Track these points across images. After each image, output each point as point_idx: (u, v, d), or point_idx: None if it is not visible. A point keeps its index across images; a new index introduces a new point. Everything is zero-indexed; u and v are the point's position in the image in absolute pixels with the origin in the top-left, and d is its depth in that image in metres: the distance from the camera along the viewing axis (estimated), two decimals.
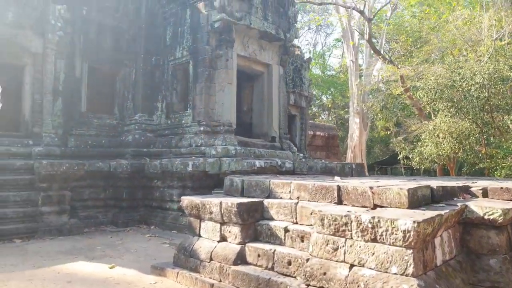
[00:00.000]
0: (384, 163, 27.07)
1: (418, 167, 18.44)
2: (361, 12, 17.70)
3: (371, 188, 3.68)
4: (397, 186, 3.63)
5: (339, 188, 3.90)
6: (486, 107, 14.73)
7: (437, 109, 15.46)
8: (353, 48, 22.55)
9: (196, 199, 4.56)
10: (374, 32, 20.84)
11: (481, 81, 13.91)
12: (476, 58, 15.52)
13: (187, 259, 4.45)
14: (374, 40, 20.71)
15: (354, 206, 3.77)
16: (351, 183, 4.06)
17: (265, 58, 9.14)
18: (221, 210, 4.25)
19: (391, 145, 24.85)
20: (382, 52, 20.04)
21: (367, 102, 21.73)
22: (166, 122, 8.99)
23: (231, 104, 8.29)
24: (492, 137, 15.25)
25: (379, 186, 3.71)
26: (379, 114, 21.68)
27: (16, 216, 6.65)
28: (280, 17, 9.15)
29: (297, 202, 4.09)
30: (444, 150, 15.27)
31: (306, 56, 17.28)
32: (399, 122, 20.33)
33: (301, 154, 9.87)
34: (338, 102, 28.02)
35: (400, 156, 18.92)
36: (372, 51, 21.70)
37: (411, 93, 18.03)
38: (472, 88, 14.19)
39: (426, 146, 16.00)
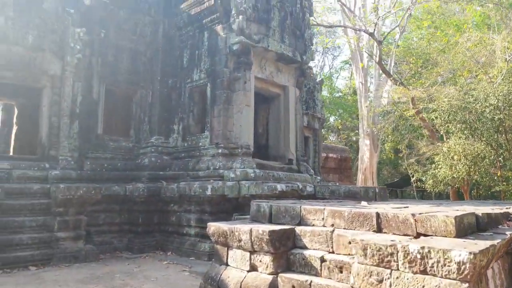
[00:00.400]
0: (394, 186, 26.69)
1: (431, 190, 18.16)
2: (371, 35, 17.80)
3: (413, 215, 3.49)
4: (442, 214, 3.45)
5: (378, 215, 3.72)
6: (501, 129, 14.56)
7: (450, 131, 15.28)
8: (362, 70, 22.60)
9: (224, 226, 4.38)
10: (383, 54, 20.88)
11: (495, 103, 13.81)
12: (488, 80, 15.43)
13: None
14: (383, 62, 20.76)
15: (395, 234, 3.58)
16: (388, 210, 3.87)
17: (281, 80, 9.10)
18: (251, 238, 4.06)
19: (403, 167, 24.48)
20: (392, 73, 20.07)
21: (377, 123, 21.63)
22: (183, 145, 8.89)
23: (248, 126, 8.19)
24: (507, 160, 14.98)
25: (421, 213, 3.52)
26: (389, 136, 21.55)
27: (31, 242, 6.47)
28: (296, 39, 9.15)
29: (333, 230, 3.90)
30: (459, 172, 15.03)
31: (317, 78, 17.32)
32: (411, 144, 20.13)
33: (318, 177, 9.68)
34: (348, 123, 27.93)
35: (413, 179, 18.65)
36: (381, 73, 21.77)
37: (422, 115, 17.93)
38: (486, 109, 14.07)
39: (440, 168, 15.77)
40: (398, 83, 18.56)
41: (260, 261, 4.04)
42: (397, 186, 26.82)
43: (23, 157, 7.53)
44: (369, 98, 23.41)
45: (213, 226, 4.50)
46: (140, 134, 9.16)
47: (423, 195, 25.97)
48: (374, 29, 17.84)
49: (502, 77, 14.50)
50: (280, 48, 8.70)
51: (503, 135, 14.67)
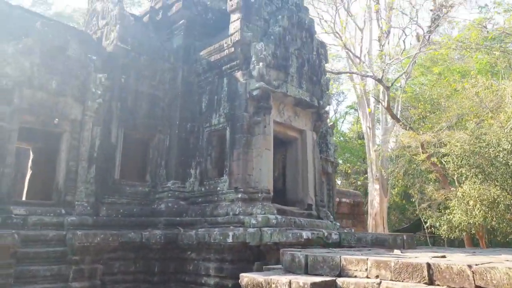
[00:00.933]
0: (404, 231, 26.03)
1: (445, 236, 17.67)
2: (379, 81, 18.11)
3: (470, 267, 3.29)
4: (503, 266, 3.24)
5: (429, 266, 3.51)
6: None
7: (464, 176, 15.09)
8: (369, 115, 22.79)
9: (259, 277, 4.15)
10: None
11: (508, 147, 13.73)
12: (499, 125, 15.46)
13: None
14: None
15: (449, 287, 3.35)
16: (437, 261, 3.66)
17: (299, 124, 9.09)
18: None
19: (411, 212, 23.98)
20: (399, 118, 20.21)
21: (386, 168, 21.47)
22: (200, 189, 8.72)
23: (268, 170, 8.07)
24: None
25: (477, 265, 3.32)
26: (399, 180, 21.31)
27: None
28: (313, 85, 9.25)
29: (380, 282, 3.66)
30: (475, 218, 14.68)
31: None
32: (422, 189, 19.84)
33: (338, 223, 9.41)
34: (357, 168, 27.79)
35: (427, 224, 18.22)
36: (388, 117, 21.92)
37: (432, 160, 17.83)
38: (499, 154, 13.98)
39: (455, 214, 15.43)
40: (407, 128, 18.65)
41: None
42: (407, 232, 26.14)
43: (38, 203, 7.36)
44: (376, 142, 23.42)
45: (247, 277, 4.26)
46: (157, 178, 9.02)
47: (434, 242, 25.27)
48: (382, 75, 18.17)
49: None
50: (298, 94, 8.77)
51: None
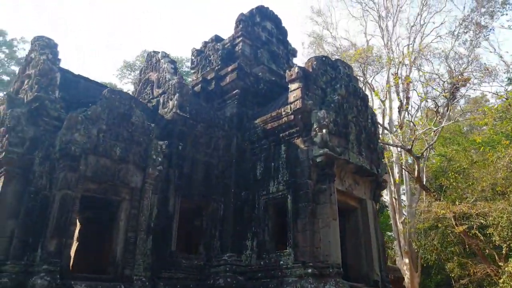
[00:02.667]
0: None
1: None
2: (409, 151, 18.07)
3: None
4: None
5: None
6: None
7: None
8: (395, 185, 22.42)
9: None
10: (413, 169, 20.88)
11: None
12: None
13: None
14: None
15: None
16: None
17: (359, 193, 8.78)
18: None
19: None
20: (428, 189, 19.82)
21: (415, 240, 20.57)
22: (259, 263, 8.15)
23: (336, 243, 7.58)
24: None
25: None
26: (434, 255, 20.26)
27: None
28: (371, 152, 9.10)
29: None
30: None
31: None
32: (460, 263, 18.78)
33: None
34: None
35: None
36: (414, 188, 21.53)
37: (473, 232, 17.10)
38: None
39: None
40: (439, 198, 18.17)
41: None
42: None
43: (96, 277, 6.83)
44: (403, 214, 22.73)
45: None
46: (211, 250, 8.49)
47: None
48: (411, 146, 18.16)
49: None
50: (359, 161, 8.59)
51: None
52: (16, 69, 27.34)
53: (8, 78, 26.86)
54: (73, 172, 6.87)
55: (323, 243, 7.49)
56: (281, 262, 7.76)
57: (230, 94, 9.92)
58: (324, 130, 7.96)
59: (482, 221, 16.06)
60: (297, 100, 8.37)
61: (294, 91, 8.51)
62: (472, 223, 16.83)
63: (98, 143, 7.27)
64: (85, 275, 6.75)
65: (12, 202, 6.74)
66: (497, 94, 20.11)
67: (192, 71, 12.22)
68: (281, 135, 8.73)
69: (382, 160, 9.42)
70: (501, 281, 14.62)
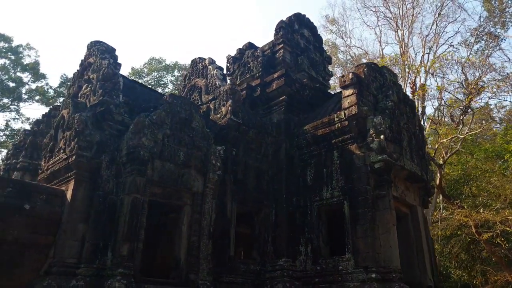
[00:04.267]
0: None
1: None
2: (432, 159, 18.18)
3: None
4: None
5: None
6: None
7: None
8: None
9: None
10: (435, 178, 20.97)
11: None
12: None
13: None
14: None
15: None
16: None
17: (410, 199, 8.85)
18: None
19: None
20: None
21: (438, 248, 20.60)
22: (314, 268, 8.18)
23: (396, 248, 7.63)
24: None
25: None
26: (454, 263, 20.29)
27: None
28: (420, 159, 9.20)
29: None
30: None
31: None
32: (483, 271, 18.82)
33: None
34: None
35: None
36: (440, 196, 21.59)
37: (497, 240, 17.17)
38: None
39: None
40: (462, 206, 18.25)
41: None
42: None
43: (164, 281, 6.87)
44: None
45: None
46: (265, 256, 8.52)
47: None
48: (434, 154, 18.30)
49: None
50: (412, 167, 8.68)
51: None
52: (22, 75, 27.24)
53: (14, 84, 26.70)
54: (141, 176, 6.91)
55: (384, 249, 7.54)
56: (340, 267, 7.80)
57: (277, 100, 10.00)
58: (381, 136, 8.05)
59: (507, 228, 16.12)
60: (352, 106, 8.45)
61: (349, 97, 8.60)
62: (494, 231, 16.93)
63: (164, 148, 7.32)
64: (155, 279, 6.76)
65: (82, 206, 6.77)
66: None
67: (228, 77, 12.31)
68: (333, 141, 8.80)
69: (429, 166, 9.51)
70: None
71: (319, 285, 7.91)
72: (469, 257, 18.93)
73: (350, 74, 8.72)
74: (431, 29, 25.02)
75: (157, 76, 31.04)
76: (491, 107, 28.52)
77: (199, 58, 10.57)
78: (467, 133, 18.71)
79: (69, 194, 6.87)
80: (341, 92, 10.49)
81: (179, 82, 29.93)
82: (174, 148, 7.47)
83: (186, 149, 7.63)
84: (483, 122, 24.23)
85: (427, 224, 9.09)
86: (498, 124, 25.61)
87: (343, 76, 8.97)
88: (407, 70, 22.86)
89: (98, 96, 7.52)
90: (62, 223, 6.70)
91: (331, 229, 8.71)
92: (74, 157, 6.82)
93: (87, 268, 6.37)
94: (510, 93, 21.73)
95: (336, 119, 8.71)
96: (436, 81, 22.65)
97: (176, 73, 31.41)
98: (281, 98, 9.92)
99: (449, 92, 20.76)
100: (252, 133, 9.09)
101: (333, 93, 12.15)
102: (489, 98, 21.50)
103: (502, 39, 25.15)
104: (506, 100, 27.12)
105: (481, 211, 17.05)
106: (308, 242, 8.51)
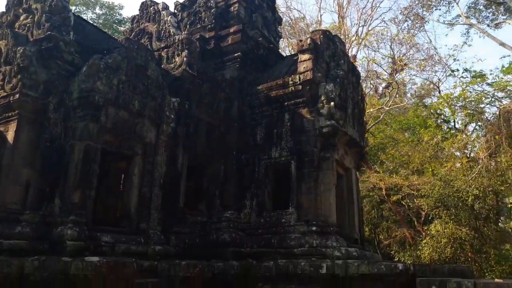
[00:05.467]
0: None
1: None
2: None
3: None
4: None
5: None
6: (481, 216, 16.42)
7: (438, 216, 16.78)
8: None
9: None
10: None
11: (477, 193, 15.73)
12: (463, 173, 17.63)
13: None
14: None
15: None
16: None
17: (347, 163, 9.61)
18: None
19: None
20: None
21: None
22: (258, 221, 8.66)
23: (334, 206, 8.38)
24: (484, 244, 16.62)
25: None
26: (364, 219, 22.66)
27: None
28: (360, 126, 9.94)
29: None
30: (445, 255, 16.26)
31: None
32: (388, 228, 21.34)
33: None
34: None
35: (396, 259, 19.53)
36: None
37: (405, 201, 19.50)
38: (468, 198, 15.92)
39: (425, 250, 16.88)
40: (377, 172, 20.24)
41: None
42: None
43: (116, 230, 6.77)
44: None
45: None
46: (212, 209, 8.77)
47: None
48: None
49: (477, 172, 16.74)
50: (353, 134, 9.36)
51: (481, 222, 16.58)
52: None
53: None
54: (95, 122, 6.56)
55: (324, 205, 8.22)
56: (283, 220, 8.37)
57: (231, 56, 9.89)
58: (331, 103, 8.51)
59: (413, 192, 18.36)
60: (307, 71, 8.73)
61: (305, 62, 8.84)
62: (401, 194, 19.19)
63: (118, 94, 6.97)
64: (107, 227, 6.66)
65: (27, 150, 6.29)
66: (432, 82, 22.62)
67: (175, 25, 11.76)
68: (286, 103, 9.08)
69: (365, 133, 10.34)
70: (424, 241, 17.05)
71: (262, 236, 8.43)
72: (377, 215, 21.28)
73: (308, 39, 8.92)
74: (368, 1, 26.08)
75: (75, 11, 28.14)
76: (407, 83, 31.25)
77: (151, 1, 9.93)
78: (390, 106, 20.33)
79: (10, 136, 6.30)
80: (293, 55, 10.76)
81: (101, 22, 27.61)
82: (129, 95, 7.15)
83: (140, 98, 7.35)
84: (402, 96, 26.52)
85: (358, 186, 10.02)
86: (412, 100, 28.22)
87: (301, 40, 9.16)
88: (344, 40, 23.78)
89: (44, 30, 6.79)
90: (2, 166, 6.18)
91: (276, 187, 9.20)
92: (17, 95, 6.21)
93: (33, 215, 6.05)
94: (433, 72, 23.75)
95: (291, 82, 8.95)
96: (368, 54, 23.95)
97: (98, 10, 28.76)
98: (235, 54, 9.84)
99: (379, 65, 22.11)
100: (206, 87, 8.99)
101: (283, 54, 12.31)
102: (412, 76, 23.33)
103: (426, 21, 27.16)
104: (420, 77, 29.58)
105: (394, 176, 19.03)
106: (254, 197, 8.92)
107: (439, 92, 23.20)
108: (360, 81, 10.27)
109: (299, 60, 8.99)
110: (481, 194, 15.77)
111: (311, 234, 7.91)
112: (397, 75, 23.91)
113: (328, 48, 9.56)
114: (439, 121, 23.28)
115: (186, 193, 8.63)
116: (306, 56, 8.88)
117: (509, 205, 15.27)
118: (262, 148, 9.16)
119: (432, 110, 23.10)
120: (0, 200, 5.98)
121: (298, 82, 8.81)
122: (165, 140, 7.73)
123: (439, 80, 23.23)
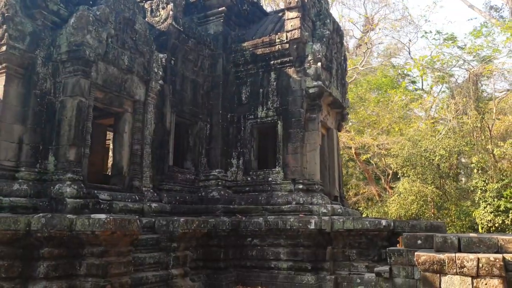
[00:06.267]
0: None
1: None
2: None
3: None
4: None
5: None
6: (444, 175, 17.52)
7: (406, 174, 17.73)
8: None
9: (440, 255, 4.93)
10: None
11: (443, 153, 16.67)
12: (430, 133, 18.54)
13: None
14: None
15: None
16: None
17: (329, 123, 9.90)
18: (478, 265, 4.70)
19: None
20: None
21: None
22: (245, 179, 8.90)
23: (319, 164, 8.72)
24: (447, 201, 17.85)
25: None
26: None
27: (154, 280, 5.87)
28: (342, 87, 10.16)
29: None
30: (412, 211, 17.40)
31: None
32: (357, 185, 22.37)
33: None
34: None
35: (364, 215, 20.70)
36: None
37: (374, 160, 20.37)
38: (435, 158, 16.87)
39: (392, 206, 17.97)
40: (348, 131, 20.89)
41: (486, 284, 4.68)
42: None
43: (111, 187, 6.79)
44: None
45: (425, 256, 4.99)
46: (199, 166, 8.89)
47: None
48: None
49: (445, 132, 17.67)
50: (337, 94, 9.59)
51: (446, 180, 17.73)
52: None
53: None
54: (86, 78, 6.36)
55: (309, 164, 8.55)
56: (270, 179, 8.65)
57: (215, 10, 9.63)
58: (318, 64, 8.62)
59: (382, 151, 19.21)
60: (294, 29, 8.70)
61: (292, 20, 8.78)
62: (371, 152, 20.03)
63: (108, 49, 6.72)
64: (102, 185, 6.66)
65: (17, 105, 6.03)
66: (402, 43, 23.06)
67: None
68: (272, 62, 9.09)
69: (346, 93, 10.60)
70: (391, 199, 18.10)
71: (249, 193, 8.71)
72: (347, 174, 22.18)
73: None
74: None
75: None
76: (376, 43, 31.59)
77: None
78: (364, 65, 20.67)
79: None
80: (277, 11, 10.63)
81: None
82: (118, 50, 6.92)
83: (129, 53, 7.13)
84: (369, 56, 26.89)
85: (339, 146, 10.39)
86: (379, 59, 28.71)
87: None
88: None
89: None
90: None
91: (261, 146, 9.40)
92: (4, 47, 5.84)
93: (29, 172, 5.92)
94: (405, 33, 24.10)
95: (278, 40, 8.91)
96: (342, 12, 23.84)
97: None
98: (220, 9, 9.59)
99: (354, 24, 22.18)
100: (191, 43, 8.80)
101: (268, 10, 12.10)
102: (386, 37, 23.59)
103: None
104: (393, 38, 29.94)
105: (364, 135, 19.74)
106: (240, 155, 9.10)
107: (409, 53, 23.76)
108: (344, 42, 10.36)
109: (286, 18, 8.92)
110: (447, 154, 16.75)
111: (298, 192, 8.26)
112: (368, 33, 24.09)
113: (314, 6, 9.53)
114: (406, 81, 24.03)
115: (177, 151, 8.68)
116: (293, 14, 8.81)
117: (472, 164, 16.26)
118: (247, 107, 9.23)
119: (399, 71, 23.73)
120: None
121: (285, 41, 8.79)
122: (154, 98, 7.62)
123: (409, 41, 23.65)
